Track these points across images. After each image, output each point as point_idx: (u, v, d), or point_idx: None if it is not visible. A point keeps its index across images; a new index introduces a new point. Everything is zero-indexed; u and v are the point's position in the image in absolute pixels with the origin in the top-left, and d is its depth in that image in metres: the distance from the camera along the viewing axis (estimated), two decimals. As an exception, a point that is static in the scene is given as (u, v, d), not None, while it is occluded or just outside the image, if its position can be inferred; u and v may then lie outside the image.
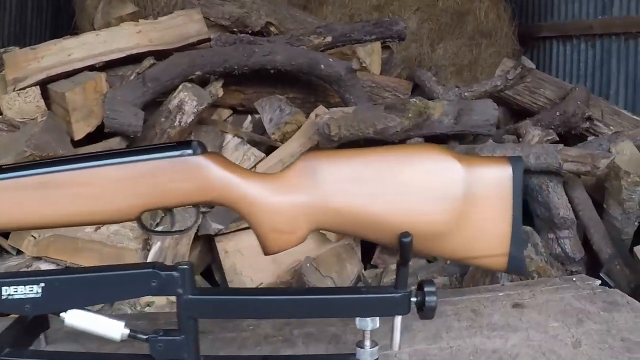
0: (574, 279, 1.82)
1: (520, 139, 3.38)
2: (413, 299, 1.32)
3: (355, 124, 3.16)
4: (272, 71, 3.48)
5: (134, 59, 3.52)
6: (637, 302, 1.65)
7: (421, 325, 1.54)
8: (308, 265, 3.00)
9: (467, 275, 2.83)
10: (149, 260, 2.82)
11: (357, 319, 1.32)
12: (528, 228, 2.63)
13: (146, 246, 2.86)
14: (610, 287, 1.79)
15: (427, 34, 6.05)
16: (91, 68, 3.43)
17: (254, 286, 3.12)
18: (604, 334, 1.50)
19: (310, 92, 3.77)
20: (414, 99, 3.20)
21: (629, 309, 1.62)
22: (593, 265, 3.06)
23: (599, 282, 1.78)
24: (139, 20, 3.73)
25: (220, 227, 3.07)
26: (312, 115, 3.39)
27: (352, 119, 3.17)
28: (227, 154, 3.42)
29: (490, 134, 3.30)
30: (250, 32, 3.95)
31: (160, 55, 3.52)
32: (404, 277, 1.31)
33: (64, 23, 5.73)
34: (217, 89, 3.47)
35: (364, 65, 3.95)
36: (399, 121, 3.12)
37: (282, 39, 3.75)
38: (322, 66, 3.36)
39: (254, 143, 3.58)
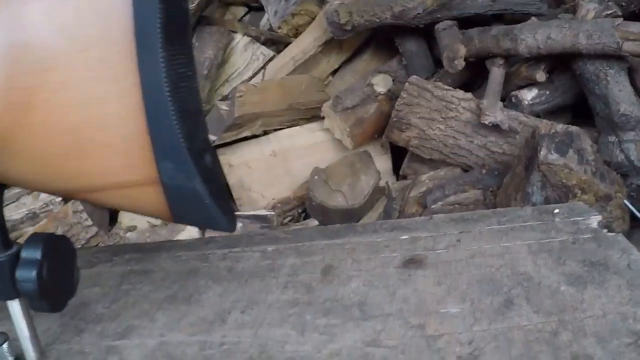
0: (556, 211, 1.31)
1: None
2: (19, 273, 0.85)
3: (369, 9, 2.66)
4: (276, -45, 3.00)
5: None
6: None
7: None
8: (316, 177, 2.59)
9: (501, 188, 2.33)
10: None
11: None
12: (574, 128, 2.09)
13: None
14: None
15: None
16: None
17: (266, 203, 2.78)
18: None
19: (328, -22, 3.25)
20: (438, -27, 2.65)
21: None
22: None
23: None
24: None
25: (213, 137, 2.69)
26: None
27: (365, 3, 2.67)
28: (237, 55, 3.11)
29: (540, 13, 2.70)
30: None
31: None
32: None
33: None
34: (217, -18, 3.06)
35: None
36: (419, 1, 2.58)
37: None
38: (329, -59, 2.85)
39: (272, 42, 3.20)
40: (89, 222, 2.58)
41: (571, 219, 1.25)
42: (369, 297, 1.09)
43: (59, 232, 2.55)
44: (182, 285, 1.22)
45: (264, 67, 3.07)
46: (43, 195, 2.74)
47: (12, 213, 2.75)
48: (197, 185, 0.79)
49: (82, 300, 1.19)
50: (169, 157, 0.77)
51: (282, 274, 1.21)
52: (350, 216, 2.49)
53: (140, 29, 0.73)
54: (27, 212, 2.76)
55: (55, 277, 0.86)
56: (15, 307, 0.89)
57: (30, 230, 2.71)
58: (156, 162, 0.78)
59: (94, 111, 0.76)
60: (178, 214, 0.82)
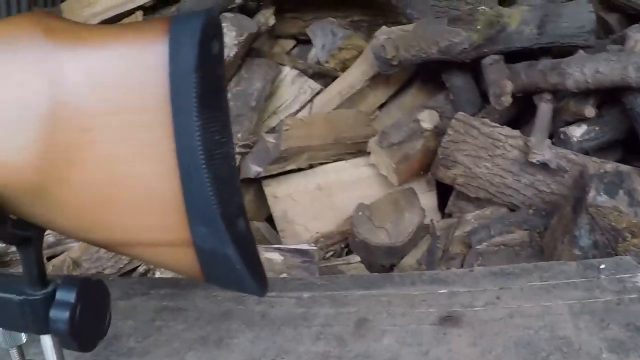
0: (602, 266, 1.27)
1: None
2: (53, 313, 0.86)
3: (415, 43, 2.64)
4: (323, -10, 3.00)
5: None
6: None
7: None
8: (360, 213, 2.57)
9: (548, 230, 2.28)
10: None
11: None
12: (624, 167, 2.04)
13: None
14: None
15: None
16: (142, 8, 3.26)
17: (309, 236, 2.76)
18: None
19: (377, 13, 3.27)
20: (483, 7, 2.62)
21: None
22: None
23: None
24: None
25: (258, 169, 2.68)
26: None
27: (412, 38, 2.66)
28: (285, 87, 3.11)
29: (588, 45, 2.65)
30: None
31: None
32: (30, 265, 0.87)
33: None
34: (266, 17, 3.08)
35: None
36: (465, 36, 2.56)
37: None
38: (375, -23, 2.84)
39: (320, 76, 3.19)
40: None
41: (617, 276, 1.21)
42: (401, 356, 1.07)
43: (103, 250, 2.58)
44: (215, 327, 1.22)
45: (311, 100, 3.07)
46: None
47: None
48: (229, 251, 0.79)
49: (116, 332, 1.20)
50: (203, 222, 0.78)
51: (315, 324, 1.20)
52: (393, 254, 2.46)
53: (176, 97, 0.74)
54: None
55: (87, 319, 0.88)
56: (46, 340, 0.91)
57: (75, 246, 2.74)
58: (190, 226, 0.79)
59: (129, 172, 0.78)
60: (210, 275, 0.83)
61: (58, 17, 0.84)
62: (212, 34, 0.76)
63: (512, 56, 2.65)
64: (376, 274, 1.37)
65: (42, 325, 0.87)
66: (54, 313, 0.86)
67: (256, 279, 0.82)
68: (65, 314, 0.85)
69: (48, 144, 0.77)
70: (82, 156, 0.78)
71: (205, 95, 0.75)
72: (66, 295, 0.86)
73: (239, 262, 0.79)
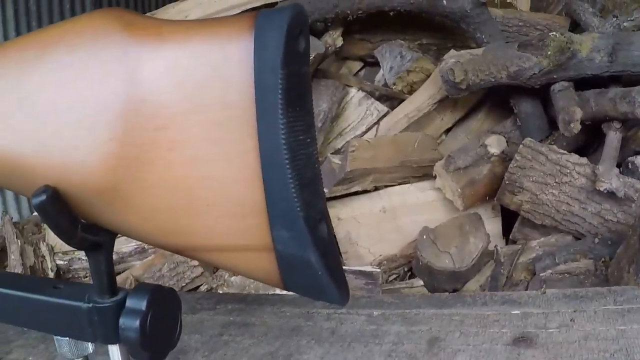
0: None
1: None
2: (122, 321, 0.83)
3: (484, 68, 2.64)
4: (391, 13, 3.02)
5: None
6: None
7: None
8: (424, 237, 2.56)
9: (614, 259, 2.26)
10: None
11: (55, 337, 0.90)
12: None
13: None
14: None
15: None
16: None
17: (372, 259, 2.76)
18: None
19: (446, 37, 3.27)
20: (554, 33, 2.60)
21: None
22: None
23: None
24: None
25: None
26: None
27: (481, 62, 2.66)
28: (351, 109, 3.13)
29: (660, 74, 2.63)
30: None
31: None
32: (100, 272, 0.85)
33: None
34: (334, 38, 3.10)
35: (508, 1, 3.37)
36: (535, 61, 2.55)
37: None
38: (444, 1, 2.83)
39: (387, 98, 3.20)
40: (196, 263, 2.62)
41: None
42: (476, 375, 1.06)
43: (165, 269, 2.61)
44: (283, 342, 1.22)
45: (377, 122, 3.07)
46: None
47: (122, 246, 2.84)
48: (311, 256, 0.75)
49: (183, 346, 1.21)
50: (284, 225, 0.75)
51: (387, 342, 1.20)
52: (457, 278, 2.45)
53: (260, 94, 0.72)
54: (136, 247, 2.85)
55: (158, 328, 0.85)
56: (114, 350, 0.88)
57: (137, 263, 2.77)
58: (270, 229, 0.75)
59: (208, 172, 0.75)
60: (289, 282, 0.79)
61: (138, 13, 0.82)
62: (298, 30, 0.73)
63: (582, 83, 2.63)
64: (447, 293, 1.35)
65: (111, 334, 0.85)
66: (123, 321, 0.83)
67: (338, 286, 0.78)
68: (136, 322, 0.82)
69: (123, 142, 0.75)
70: (160, 155, 0.75)
71: (290, 93, 0.72)
72: (137, 303, 0.83)
73: (321, 269, 0.76)
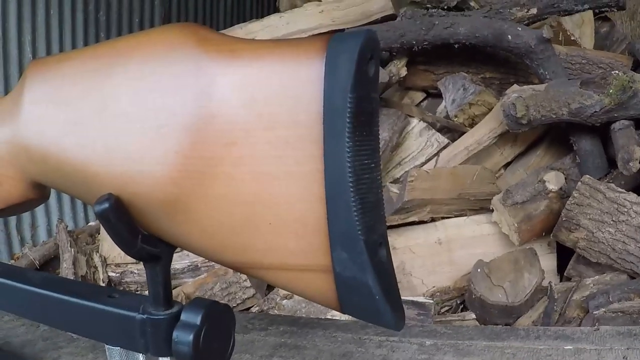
0: None
1: None
2: (176, 334, 0.84)
3: (546, 104, 2.65)
4: (456, 46, 3.05)
5: (318, 39, 3.34)
6: None
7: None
8: (479, 270, 2.57)
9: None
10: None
11: (106, 347, 0.91)
12: None
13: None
14: None
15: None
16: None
17: (425, 290, 2.77)
18: None
19: (509, 71, 3.28)
20: (616, 71, 2.61)
21: None
22: None
23: None
24: (322, 0, 3.55)
25: (379, 219, 2.72)
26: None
27: (543, 98, 2.66)
28: (412, 139, 3.15)
29: None
30: (445, 7, 3.50)
31: (343, 34, 3.26)
32: (156, 284, 0.87)
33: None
34: (398, 68, 3.15)
35: (572, 38, 3.37)
36: (597, 99, 2.55)
37: (479, 13, 3.28)
38: (509, 37, 2.86)
39: (448, 130, 3.23)
40: (248, 284, 2.66)
41: None
42: (528, 408, 1.07)
43: (217, 288, 2.63)
44: (333, 367, 1.22)
45: (437, 154, 3.10)
46: (208, 251, 2.83)
47: (175, 262, 2.87)
48: (369, 280, 0.76)
49: None
50: (345, 248, 0.76)
51: (438, 372, 1.21)
52: (509, 313, 2.45)
53: (329, 115, 0.73)
54: (189, 264, 2.89)
55: (211, 344, 0.85)
56: None
57: (189, 281, 2.81)
58: (331, 251, 0.76)
59: (272, 190, 0.76)
60: (346, 304, 0.79)
61: (213, 30, 0.84)
62: (370, 54, 0.74)
63: (643, 124, 2.63)
64: (500, 326, 1.36)
65: (163, 347, 0.86)
66: (177, 334, 0.84)
67: (394, 311, 0.78)
68: (189, 337, 0.83)
69: (189, 155, 0.77)
70: (225, 171, 0.77)
71: (358, 117, 0.74)
72: (192, 317, 0.84)
73: (379, 292, 0.76)
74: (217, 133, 0.77)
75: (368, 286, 0.76)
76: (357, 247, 0.75)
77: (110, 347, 0.92)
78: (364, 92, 0.74)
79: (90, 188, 0.82)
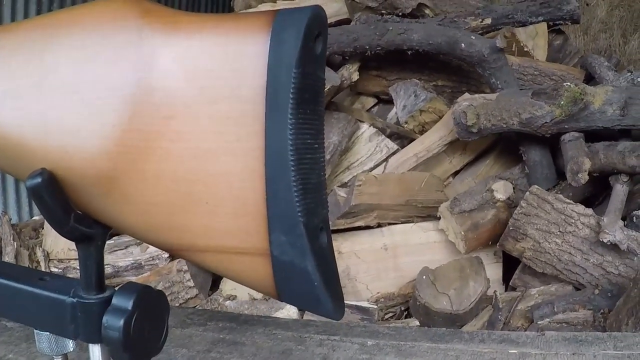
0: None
1: None
2: (106, 319, 0.79)
3: (497, 113, 2.65)
4: (409, 52, 3.05)
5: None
6: None
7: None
8: (424, 277, 2.55)
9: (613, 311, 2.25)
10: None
11: (35, 332, 0.86)
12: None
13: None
14: None
15: (618, 23, 5.16)
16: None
17: (369, 295, 2.74)
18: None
19: (461, 80, 3.30)
20: (568, 83, 2.61)
21: None
22: None
23: None
24: (277, 1, 3.58)
25: (325, 223, 2.69)
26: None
27: (494, 107, 2.66)
28: (361, 144, 3.14)
29: (673, 131, 2.63)
30: (400, 14, 3.48)
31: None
32: (88, 267, 0.82)
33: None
34: (350, 72, 3.14)
35: (526, 49, 3.38)
36: (548, 110, 2.55)
37: (434, 21, 3.29)
38: (463, 45, 2.86)
39: (398, 136, 3.22)
40: (191, 284, 2.62)
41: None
42: (467, 414, 1.05)
43: (160, 287, 2.57)
44: (272, 364, 1.20)
45: (386, 159, 3.08)
46: (151, 249, 2.82)
47: (119, 260, 2.85)
48: (309, 265, 0.72)
49: (168, 359, 1.18)
50: (283, 230, 0.72)
51: (379, 373, 1.18)
52: (453, 321, 2.44)
53: (272, 90, 0.70)
54: (132, 262, 2.86)
55: (143, 330, 0.82)
56: (95, 351, 0.85)
57: (132, 279, 2.75)
58: (269, 233, 0.72)
59: (210, 167, 0.73)
60: (283, 291, 0.75)
61: (156, 2, 0.80)
62: (317, 31, 0.72)
63: (592, 135, 2.64)
64: (444, 328, 1.34)
65: (93, 333, 0.81)
66: (107, 319, 0.80)
67: (334, 299, 0.75)
68: (120, 322, 0.79)
69: (126, 129, 0.73)
70: (163, 146, 0.73)
71: (302, 93, 0.70)
72: (123, 302, 0.80)
73: (318, 279, 0.73)
74: (156, 106, 0.73)
75: (307, 272, 0.72)
76: (296, 230, 0.71)
77: (39, 332, 0.87)
78: (310, 69, 0.71)
79: (26, 164, 0.77)
